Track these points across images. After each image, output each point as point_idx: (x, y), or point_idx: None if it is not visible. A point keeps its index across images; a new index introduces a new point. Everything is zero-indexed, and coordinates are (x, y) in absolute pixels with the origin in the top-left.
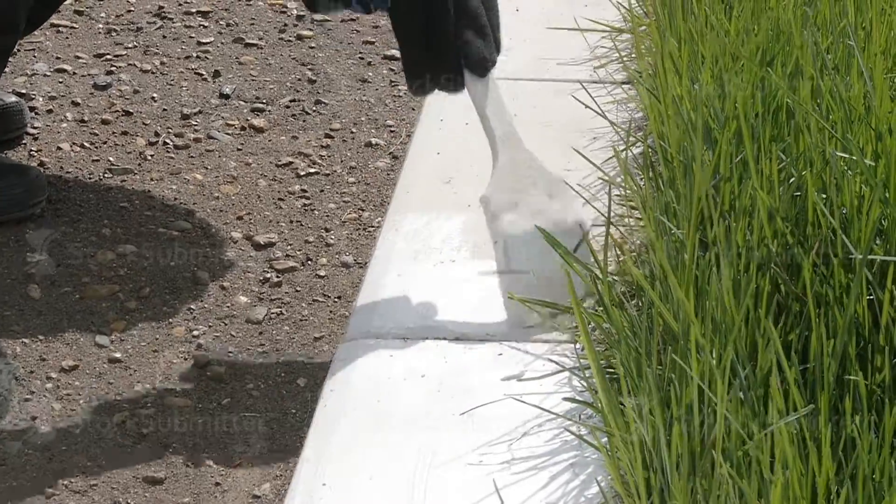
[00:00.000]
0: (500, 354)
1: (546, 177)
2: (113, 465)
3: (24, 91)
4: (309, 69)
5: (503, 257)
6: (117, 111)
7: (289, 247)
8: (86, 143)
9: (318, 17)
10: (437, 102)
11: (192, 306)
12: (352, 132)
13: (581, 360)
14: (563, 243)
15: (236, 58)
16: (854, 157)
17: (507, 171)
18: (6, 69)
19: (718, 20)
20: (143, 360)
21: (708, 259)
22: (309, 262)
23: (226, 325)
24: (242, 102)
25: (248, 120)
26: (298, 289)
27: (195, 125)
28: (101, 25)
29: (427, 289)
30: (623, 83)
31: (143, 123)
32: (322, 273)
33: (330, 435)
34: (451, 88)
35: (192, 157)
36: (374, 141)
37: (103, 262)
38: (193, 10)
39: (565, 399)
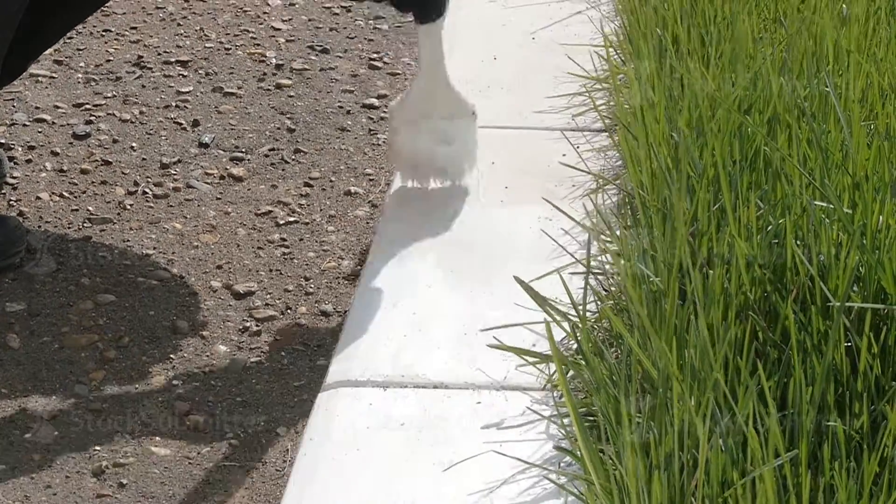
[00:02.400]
0: (479, 402)
1: (457, 107)
2: None
3: (3, 141)
4: (288, 118)
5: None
6: (96, 161)
7: (268, 296)
8: (65, 193)
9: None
10: None
11: (171, 355)
12: (331, 181)
13: (560, 409)
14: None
15: (215, 107)
16: (832, 205)
17: (421, 94)
18: None
19: (697, 68)
20: (122, 410)
21: (686, 307)
22: (288, 311)
23: (205, 374)
24: (222, 151)
25: (227, 169)
26: (278, 338)
27: (174, 174)
28: (80, 75)
29: (407, 337)
30: (601, 131)
31: (123, 173)
32: (302, 322)
33: (309, 484)
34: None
35: (171, 206)
36: (353, 189)
37: (83, 311)
38: (172, 60)
39: (545, 448)
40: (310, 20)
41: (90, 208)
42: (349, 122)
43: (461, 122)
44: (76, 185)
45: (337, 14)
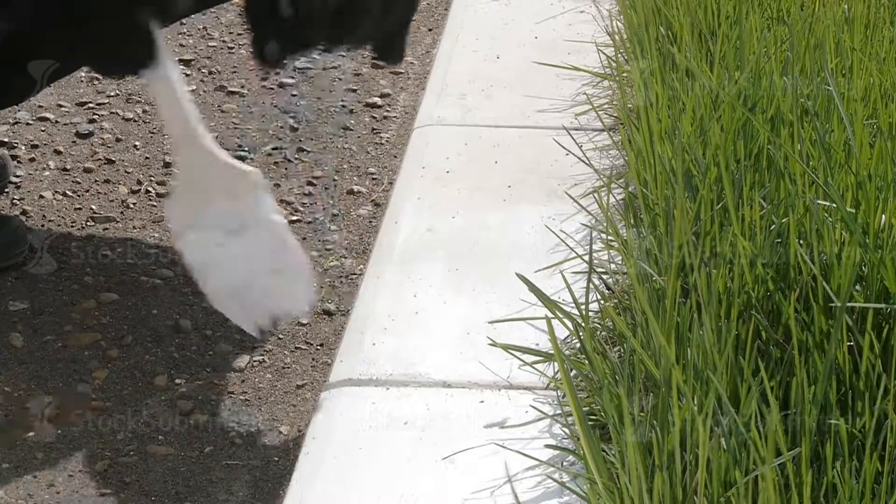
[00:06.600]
0: (482, 401)
1: (231, 175)
2: None
3: (6, 139)
4: (291, 117)
5: (202, 281)
6: (100, 159)
7: None
8: (68, 192)
9: (301, 63)
10: (420, 149)
11: (174, 354)
12: (334, 180)
13: (563, 407)
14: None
15: (218, 106)
16: (835, 204)
17: (187, 177)
18: None
19: (699, 66)
20: (125, 408)
21: (689, 306)
22: None
23: (208, 372)
24: (225, 150)
25: None
26: (280, 336)
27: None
28: (83, 73)
29: (409, 336)
30: (604, 130)
31: (126, 171)
32: (304, 321)
33: (312, 482)
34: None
35: None
36: (356, 188)
37: (85, 310)
38: (175, 59)
39: (547, 446)
40: None
41: (93, 207)
42: (352, 121)
43: (250, 201)
44: (79, 183)
45: None
